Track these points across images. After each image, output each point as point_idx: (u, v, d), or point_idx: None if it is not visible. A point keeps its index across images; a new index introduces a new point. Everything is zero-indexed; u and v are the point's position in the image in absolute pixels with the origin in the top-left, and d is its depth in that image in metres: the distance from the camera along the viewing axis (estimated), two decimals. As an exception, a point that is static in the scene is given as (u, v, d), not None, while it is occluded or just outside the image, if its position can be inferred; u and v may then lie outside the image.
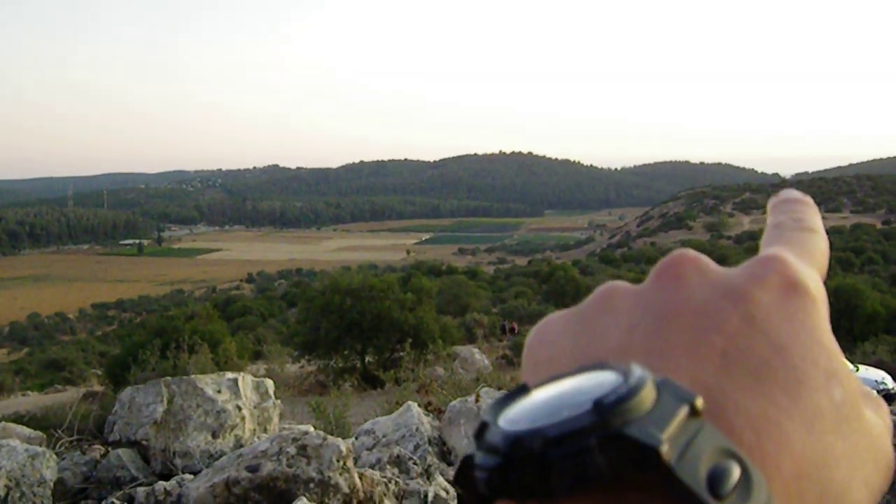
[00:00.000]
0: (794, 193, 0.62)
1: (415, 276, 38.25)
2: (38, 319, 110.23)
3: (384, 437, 4.01)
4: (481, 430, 0.42)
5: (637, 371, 0.42)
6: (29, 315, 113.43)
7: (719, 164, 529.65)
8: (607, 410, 0.39)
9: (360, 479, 3.60)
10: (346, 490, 3.50)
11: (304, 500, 3.27)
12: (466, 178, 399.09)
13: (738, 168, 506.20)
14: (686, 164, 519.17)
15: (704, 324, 0.48)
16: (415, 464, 4.19)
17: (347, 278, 28.85)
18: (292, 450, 3.55)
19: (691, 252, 0.53)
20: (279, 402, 4.60)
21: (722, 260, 0.46)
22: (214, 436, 4.18)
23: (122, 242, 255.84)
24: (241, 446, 4.22)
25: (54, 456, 4.10)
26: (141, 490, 3.75)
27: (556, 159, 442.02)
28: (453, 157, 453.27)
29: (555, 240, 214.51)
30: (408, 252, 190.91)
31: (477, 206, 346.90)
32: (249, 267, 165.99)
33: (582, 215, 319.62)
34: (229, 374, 4.41)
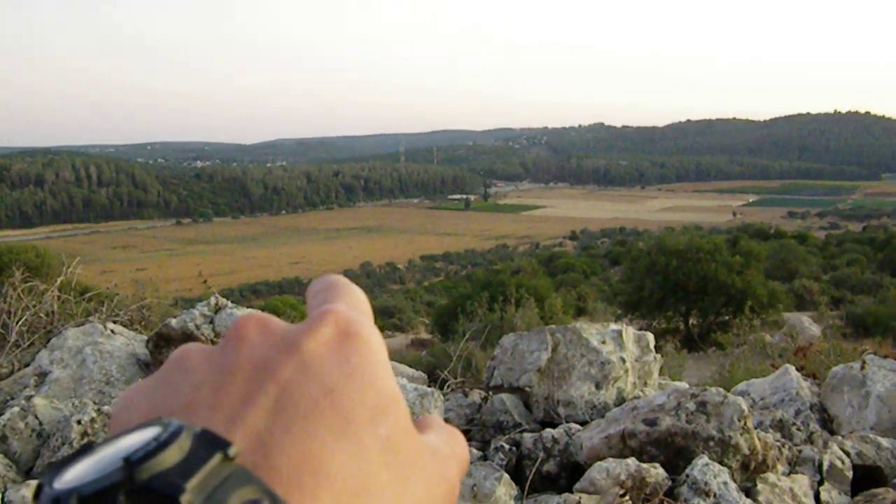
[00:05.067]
0: (321, 276, 0.66)
1: (742, 238, 37.09)
2: (370, 268, 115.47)
3: (761, 399, 3.92)
4: (37, 492, 0.43)
5: (173, 425, 0.45)
6: (362, 264, 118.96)
7: None
8: (135, 465, 0.41)
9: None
10: (746, 451, 3.46)
11: (706, 458, 3.24)
12: (797, 138, 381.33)
13: None
14: None
15: (261, 375, 0.51)
16: (798, 430, 4.06)
17: (673, 239, 28.41)
18: (691, 406, 3.53)
19: (256, 314, 0.57)
20: (659, 356, 4.58)
21: None
22: (598, 387, 4.22)
23: (449, 197, 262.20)
24: (623, 399, 4.24)
25: (441, 396, 4.28)
26: (528, 436, 3.84)
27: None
28: (784, 117, 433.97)
29: (892, 205, 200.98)
30: (734, 214, 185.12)
31: (808, 168, 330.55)
32: (573, 224, 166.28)
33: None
34: (613, 326, 4.44)
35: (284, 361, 0.52)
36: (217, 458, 0.43)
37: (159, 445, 0.43)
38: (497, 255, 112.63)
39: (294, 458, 0.47)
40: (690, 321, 25.00)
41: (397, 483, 0.51)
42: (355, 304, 0.61)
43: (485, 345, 6.94)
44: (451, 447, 0.60)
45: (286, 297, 40.82)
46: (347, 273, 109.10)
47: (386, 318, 41.83)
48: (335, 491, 0.47)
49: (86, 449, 0.45)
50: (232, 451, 0.44)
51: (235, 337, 0.55)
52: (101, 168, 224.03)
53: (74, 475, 0.43)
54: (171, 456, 0.42)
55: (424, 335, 30.71)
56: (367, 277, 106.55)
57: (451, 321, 22.41)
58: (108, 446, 0.45)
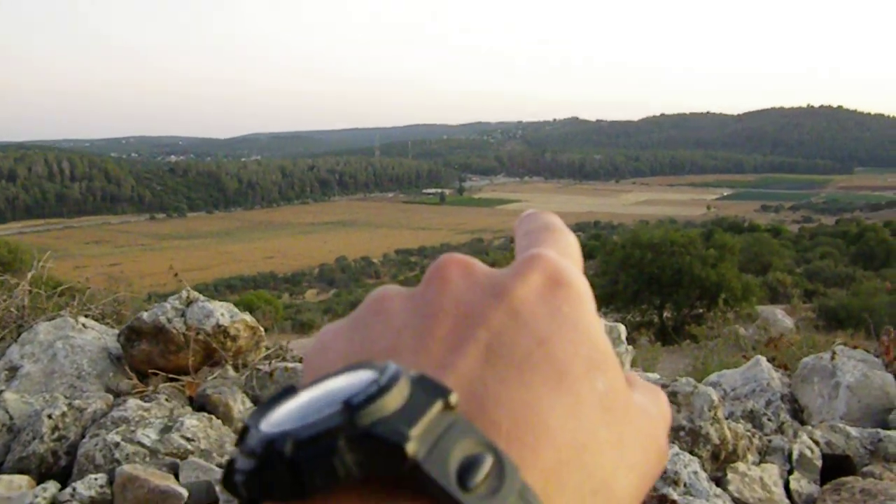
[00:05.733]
0: (533, 211, 0.64)
1: (716, 231, 37.34)
2: (345, 262, 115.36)
3: (733, 390, 3.94)
4: (242, 433, 0.42)
5: (391, 368, 0.42)
6: (337, 258, 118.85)
7: None
8: (356, 410, 0.40)
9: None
10: (717, 441, 3.48)
11: (676, 447, 3.26)
12: (771, 132, 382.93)
13: None
14: None
15: (469, 321, 0.49)
16: (769, 420, 4.09)
17: (648, 232, 28.58)
18: None
19: (458, 255, 0.54)
20: (631, 347, 4.60)
21: None
22: None
23: (424, 191, 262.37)
24: None
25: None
26: None
27: (869, 114, 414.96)
28: (757, 111, 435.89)
29: (865, 199, 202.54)
30: (708, 208, 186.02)
31: (782, 162, 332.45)
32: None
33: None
34: None
35: (494, 307, 0.49)
36: (438, 405, 0.41)
37: (381, 389, 0.41)
38: (472, 249, 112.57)
39: (512, 411, 0.44)
40: (665, 314, 25.12)
41: (615, 441, 0.48)
42: (565, 250, 0.57)
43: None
44: (658, 406, 0.55)
45: (261, 291, 40.73)
46: (323, 268, 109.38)
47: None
48: (556, 447, 0.44)
49: (289, 391, 0.44)
50: (452, 399, 0.42)
51: (439, 277, 0.52)
52: (75, 163, 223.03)
53: (285, 417, 0.42)
54: (393, 401, 0.40)
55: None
56: (342, 272, 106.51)
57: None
58: (316, 388, 0.43)
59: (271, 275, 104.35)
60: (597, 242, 61.15)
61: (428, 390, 0.42)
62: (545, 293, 0.51)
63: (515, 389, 0.45)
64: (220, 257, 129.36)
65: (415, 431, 0.39)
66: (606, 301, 25.54)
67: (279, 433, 0.40)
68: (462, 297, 0.50)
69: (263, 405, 0.44)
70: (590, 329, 0.51)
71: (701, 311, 23.90)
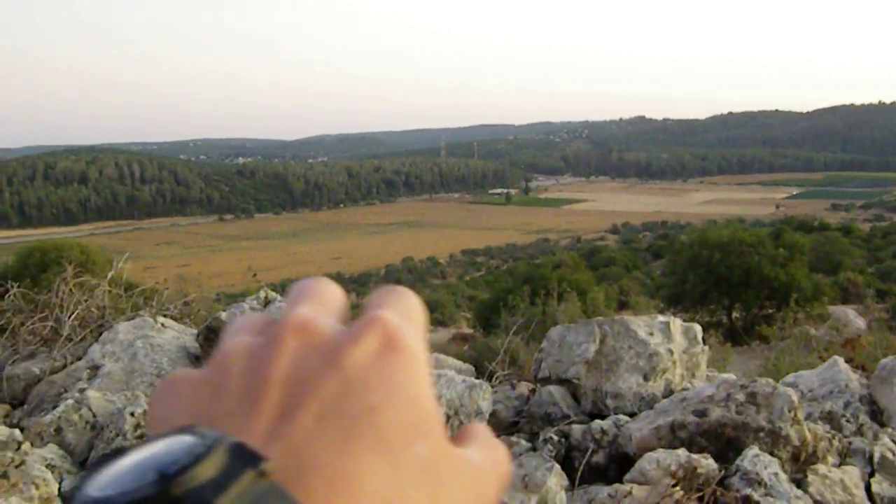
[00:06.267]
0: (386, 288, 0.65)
1: (785, 231, 36.85)
2: (411, 263, 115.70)
3: (809, 391, 3.90)
4: (72, 494, 0.43)
5: (210, 437, 0.44)
6: (403, 259, 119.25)
7: None
8: (170, 479, 0.41)
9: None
10: (797, 443, 3.44)
11: (756, 448, 3.24)
12: (841, 129, 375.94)
13: None
14: None
15: (301, 389, 0.51)
16: (847, 421, 4.03)
17: (716, 232, 28.28)
18: (741, 396, 3.52)
19: (299, 317, 0.55)
20: (707, 347, 4.56)
21: None
22: (646, 378, 4.21)
23: (490, 191, 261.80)
24: (671, 391, 4.23)
25: (490, 388, 4.30)
26: (576, 427, 3.85)
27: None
28: (827, 108, 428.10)
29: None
30: (777, 206, 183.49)
31: (852, 160, 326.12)
32: (614, 218, 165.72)
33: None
34: (661, 318, 4.43)
35: (327, 375, 0.51)
36: (250, 474, 0.43)
37: (195, 459, 0.42)
38: (538, 250, 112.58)
39: (329, 477, 0.47)
40: (733, 314, 24.86)
41: (432, 502, 0.50)
42: (407, 312, 0.60)
43: (528, 339, 6.95)
44: (492, 461, 0.58)
45: (328, 292, 40.96)
46: (389, 269, 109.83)
47: (428, 313, 41.95)
48: None
49: (118, 452, 0.46)
50: (266, 467, 0.44)
51: (276, 342, 0.53)
52: (144, 165, 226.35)
53: (109, 481, 0.43)
54: (206, 471, 0.42)
55: (466, 330, 30.76)
56: (408, 272, 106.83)
57: (492, 315, 22.46)
58: (140, 452, 0.45)
59: (338, 275, 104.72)
60: (664, 242, 60.87)
61: (243, 459, 0.44)
62: (379, 359, 0.53)
63: (338, 457, 0.48)
64: (287, 258, 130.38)
65: (223, 501, 0.41)
66: (675, 301, 25.39)
67: (99, 499, 0.41)
68: (297, 363, 0.52)
69: (95, 464, 0.45)
70: (419, 395, 0.53)
71: (770, 311, 23.63)
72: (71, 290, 5.38)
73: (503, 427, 4.43)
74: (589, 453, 3.61)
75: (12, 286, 5.69)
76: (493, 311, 23.05)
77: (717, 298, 24.90)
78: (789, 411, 3.46)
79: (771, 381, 3.64)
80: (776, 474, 3.16)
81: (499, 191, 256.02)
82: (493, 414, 4.39)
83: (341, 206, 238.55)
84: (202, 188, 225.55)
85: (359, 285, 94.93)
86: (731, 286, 24.11)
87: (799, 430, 3.46)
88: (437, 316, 39.95)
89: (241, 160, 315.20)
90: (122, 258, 6.04)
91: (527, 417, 4.43)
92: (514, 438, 4.02)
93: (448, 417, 4.12)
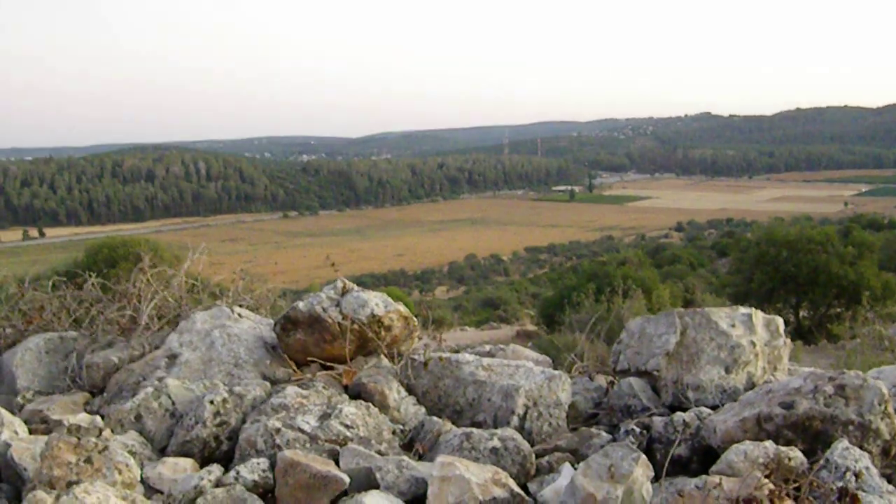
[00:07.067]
0: None
1: (854, 229, 36.29)
2: (474, 260, 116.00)
3: (893, 387, 3.82)
4: None
5: None
6: (466, 256, 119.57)
7: None
8: None
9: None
10: (887, 437, 3.40)
11: (846, 441, 3.19)
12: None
13: None
14: None
15: None
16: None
17: (783, 229, 27.98)
18: (829, 389, 3.47)
19: None
20: (789, 341, 4.51)
21: None
22: (728, 371, 4.18)
23: (554, 188, 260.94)
24: (753, 384, 4.19)
25: (568, 379, 4.29)
26: (658, 420, 3.83)
27: None
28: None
29: None
30: (846, 204, 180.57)
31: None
32: (679, 215, 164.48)
33: None
34: (742, 309, 4.40)
35: None
36: None
37: None
38: (602, 247, 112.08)
39: None
40: (801, 313, 24.58)
41: None
42: None
43: (592, 337, 6.91)
44: None
45: (391, 288, 41.16)
46: (452, 266, 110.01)
47: (491, 310, 42.06)
48: None
49: None
50: None
51: None
52: (210, 163, 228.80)
53: None
54: None
55: (530, 327, 30.77)
56: (471, 269, 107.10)
57: (557, 312, 22.40)
58: None
59: (402, 272, 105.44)
60: (730, 240, 60.17)
61: None
62: None
63: None
64: (351, 255, 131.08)
65: None
66: (741, 299, 25.05)
67: None
68: None
69: None
70: None
71: (839, 310, 23.31)
72: (148, 280, 5.46)
73: (582, 419, 4.41)
74: (674, 445, 3.57)
75: (90, 276, 5.79)
76: (557, 308, 23.03)
77: (783, 297, 24.67)
78: (879, 404, 3.41)
79: (860, 373, 3.58)
80: (867, 468, 3.10)
81: (562, 188, 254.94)
82: (571, 405, 4.38)
83: (405, 203, 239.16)
84: (267, 185, 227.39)
85: (422, 282, 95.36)
86: (798, 285, 23.86)
87: (889, 423, 3.40)
88: (500, 313, 39.97)
89: (305, 157, 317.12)
90: (199, 249, 6.11)
91: (606, 409, 4.41)
92: (594, 430, 4.02)
93: (527, 408, 4.11)
